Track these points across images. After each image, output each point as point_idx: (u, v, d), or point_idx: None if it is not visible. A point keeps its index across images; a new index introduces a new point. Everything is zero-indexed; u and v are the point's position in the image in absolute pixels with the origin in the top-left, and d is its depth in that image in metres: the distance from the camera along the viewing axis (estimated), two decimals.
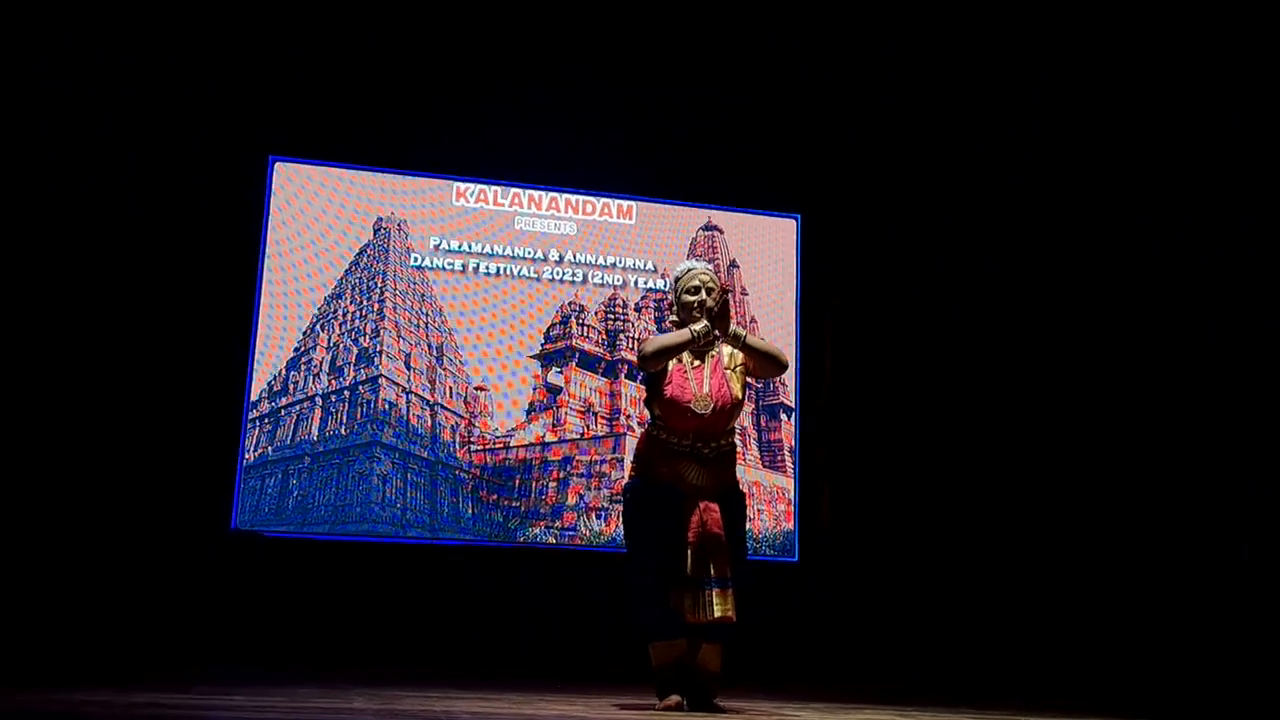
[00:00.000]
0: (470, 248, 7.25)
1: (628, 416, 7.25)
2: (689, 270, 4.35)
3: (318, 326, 7.01)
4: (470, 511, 6.98)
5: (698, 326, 4.17)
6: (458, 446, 7.04)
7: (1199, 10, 6.86)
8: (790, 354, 7.43)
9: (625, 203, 7.49)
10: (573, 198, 7.44)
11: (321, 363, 6.99)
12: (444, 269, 7.21)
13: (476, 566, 6.93)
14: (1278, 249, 6.87)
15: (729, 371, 4.25)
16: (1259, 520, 6.72)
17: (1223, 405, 6.93)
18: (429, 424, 7.03)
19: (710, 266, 4.42)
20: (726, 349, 4.29)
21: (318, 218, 7.10)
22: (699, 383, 4.20)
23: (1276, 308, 6.82)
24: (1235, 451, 6.88)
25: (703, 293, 4.29)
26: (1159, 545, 7.09)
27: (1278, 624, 6.59)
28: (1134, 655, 6.96)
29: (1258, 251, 6.98)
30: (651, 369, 4.26)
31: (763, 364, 4.40)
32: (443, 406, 7.07)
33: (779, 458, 7.43)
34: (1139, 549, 7.13)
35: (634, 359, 6.76)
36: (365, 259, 7.14)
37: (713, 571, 4.04)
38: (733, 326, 4.19)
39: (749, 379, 4.37)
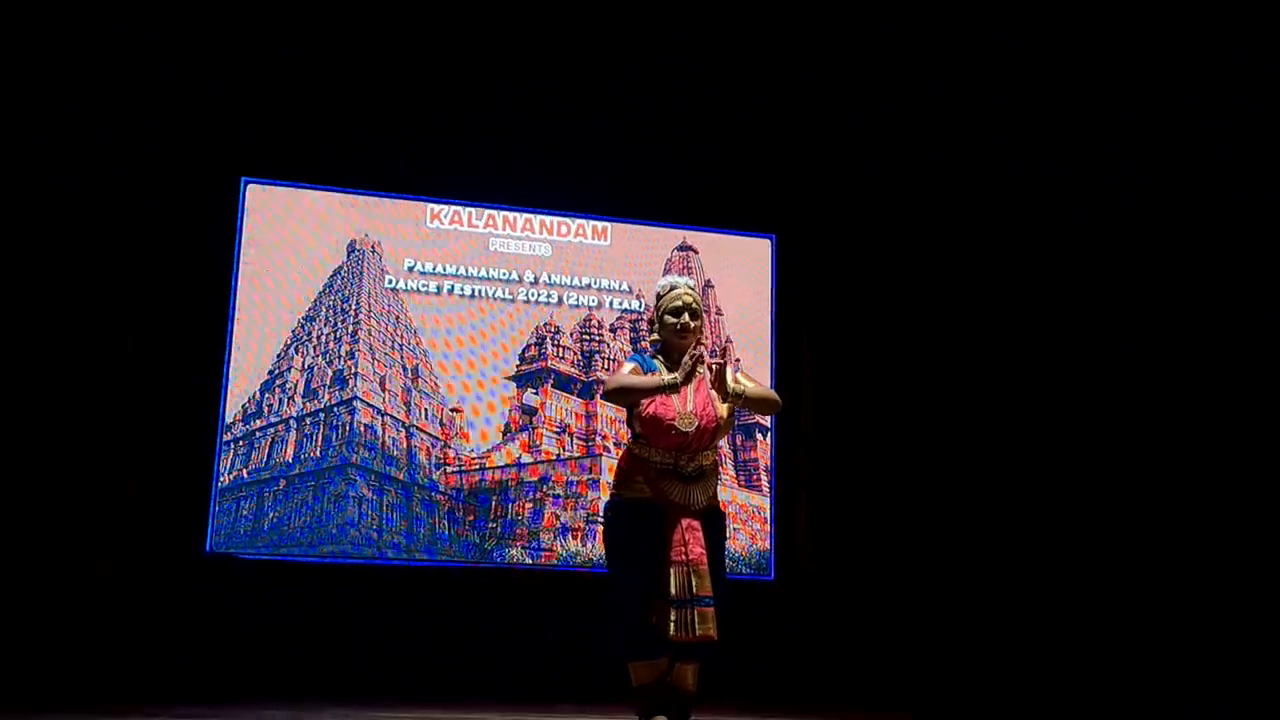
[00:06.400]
0: (444, 269, 7.24)
1: (604, 437, 7.24)
2: (672, 288, 4.33)
3: (292, 349, 6.98)
4: (446, 533, 6.96)
5: (667, 378, 4.13)
6: (433, 468, 7.02)
7: (1169, 33, 6.92)
8: (766, 375, 7.45)
9: (600, 224, 7.50)
10: (547, 219, 7.44)
11: (296, 385, 6.95)
12: (418, 291, 7.19)
13: (453, 588, 6.89)
14: (1262, 284, 6.89)
15: (714, 390, 4.23)
16: (1234, 568, 6.74)
17: (1205, 441, 6.94)
18: (404, 446, 7.00)
19: (693, 282, 4.41)
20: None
21: (291, 239, 7.07)
22: (683, 400, 4.19)
23: (1262, 350, 6.84)
24: (1217, 490, 6.89)
25: (685, 315, 4.28)
26: (1138, 560, 7.10)
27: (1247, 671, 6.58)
28: (1113, 675, 6.97)
29: (1245, 287, 6.97)
30: (612, 403, 4.31)
31: (759, 408, 4.54)
32: (418, 428, 7.05)
33: (755, 477, 7.44)
34: (1118, 569, 7.13)
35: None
36: (339, 281, 7.11)
37: (696, 590, 4.03)
38: (730, 386, 4.17)
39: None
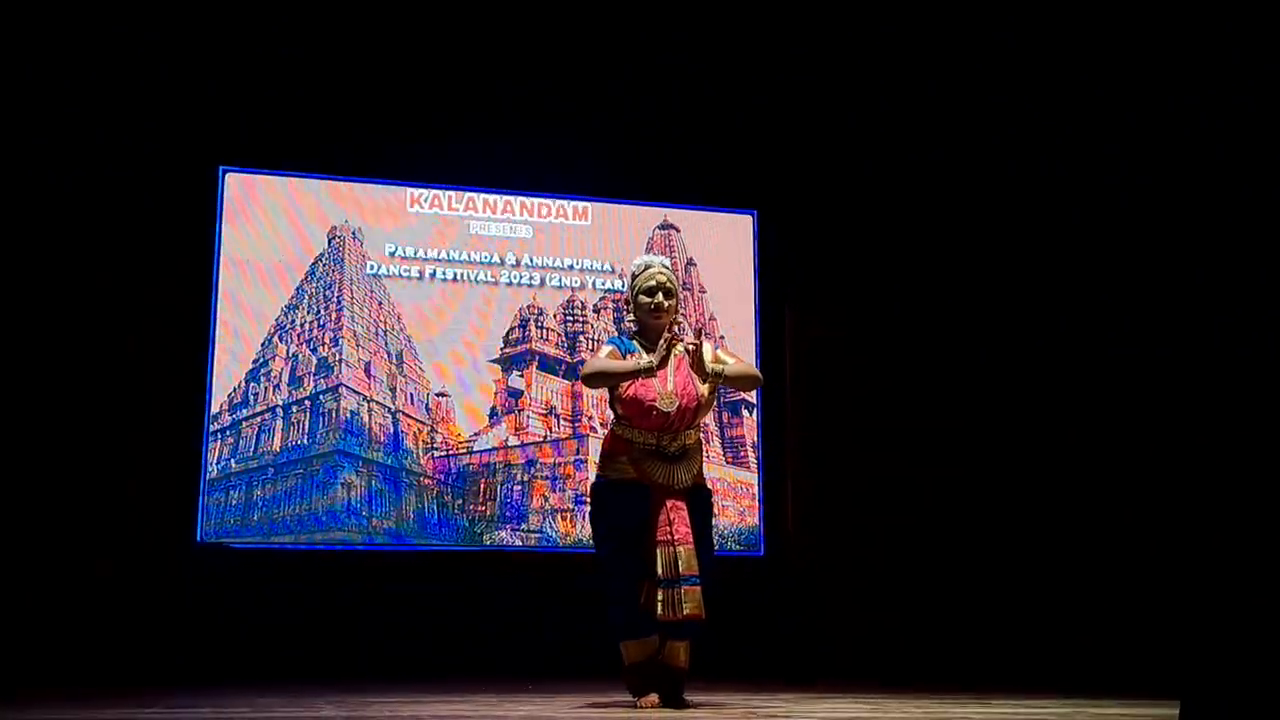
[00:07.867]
0: (426, 254, 7.24)
1: (590, 418, 7.26)
2: (646, 268, 4.34)
3: (275, 337, 6.98)
4: (435, 517, 6.97)
5: (644, 361, 4.15)
6: (421, 453, 7.03)
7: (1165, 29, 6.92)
8: (750, 352, 7.46)
9: (580, 204, 7.50)
10: (527, 200, 7.44)
11: (281, 373, 6.95)
12: (400, 276, 7.19)
13: (443, 572, 6.92)
14: (1261, 284, 6.90)
15: (694, 370, 4.24)
16: (1232, 567, 6.77)
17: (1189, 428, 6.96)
18: (391, 431, 7.01)
19: (668, 261, 4.42)
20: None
21: (271, 228, 7.06)
22: (663, 380, 4.20)
23: (1261, 350, 6.86)
24: (1214, 490, 6.91)
25: (659, 295, 4.29)
26: (1123, 542, 7.13)
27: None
28: (1095, 642, 7.01)
29: (1244, 287, 6.98)
30: (591, 387, 4.33)
31: (741, 385, 4.59)
32: (404, 413, 7.06)
33: (741, 453, 7.46)
34: (1108, 539, 7.17)
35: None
36: (321, 268, 7.11)
37: (681, 570, 4.06)
38: (709, 365, 4.18)
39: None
